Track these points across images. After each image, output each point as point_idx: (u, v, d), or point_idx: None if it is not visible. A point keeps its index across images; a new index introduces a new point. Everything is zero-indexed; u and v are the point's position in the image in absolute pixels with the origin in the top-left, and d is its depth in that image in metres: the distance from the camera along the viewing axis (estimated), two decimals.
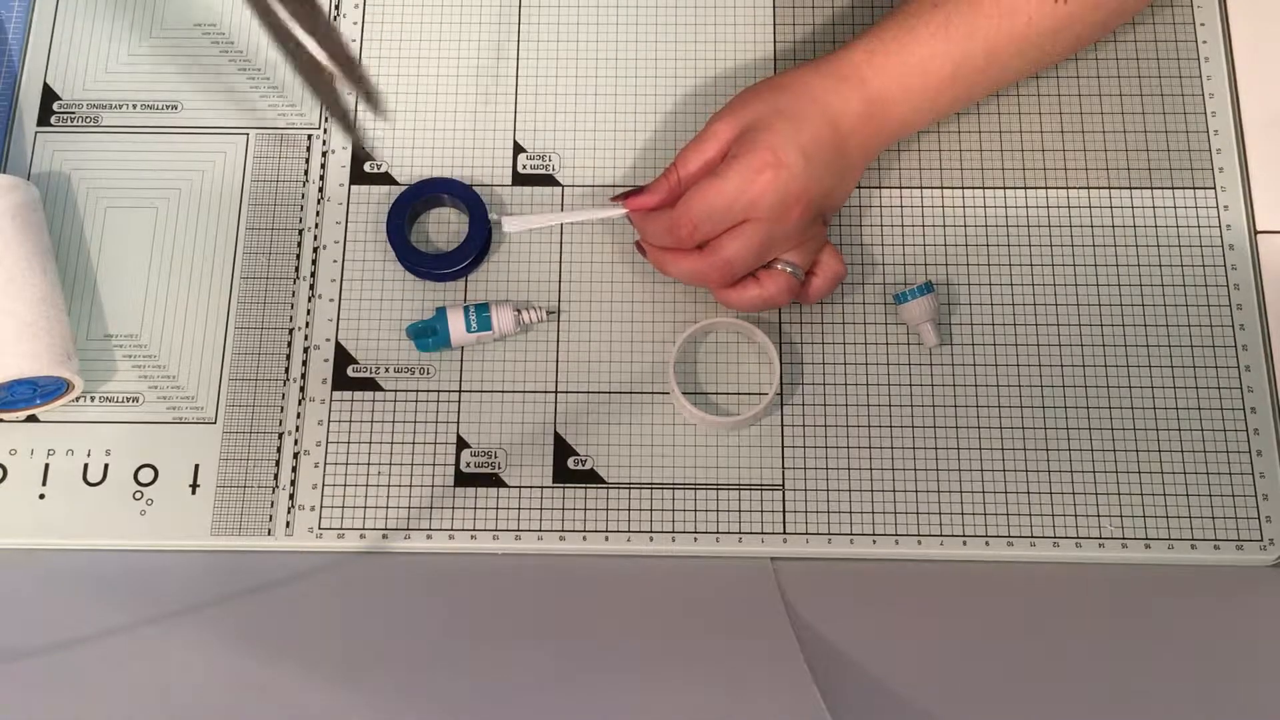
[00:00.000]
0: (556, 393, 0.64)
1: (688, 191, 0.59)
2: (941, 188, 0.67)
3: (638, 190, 0.61)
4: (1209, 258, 0.66)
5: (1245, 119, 0.68)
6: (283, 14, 0.56)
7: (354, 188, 0.68)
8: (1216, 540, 0.62)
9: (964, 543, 0.62)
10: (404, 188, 0.67)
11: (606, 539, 0.62)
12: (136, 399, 0.64)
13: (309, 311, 0.66)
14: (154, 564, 0.62)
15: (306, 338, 0.65)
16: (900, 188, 0.67)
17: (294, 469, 0.63)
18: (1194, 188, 0.67)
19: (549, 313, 0.65)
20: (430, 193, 0.66)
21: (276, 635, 0.56)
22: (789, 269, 0.60)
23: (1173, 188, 0.67)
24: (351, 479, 0.63)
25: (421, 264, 0.65)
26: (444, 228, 0.67)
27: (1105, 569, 0.62)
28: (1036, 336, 0.65)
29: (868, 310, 0.65)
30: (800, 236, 0.60)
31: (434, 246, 0.67)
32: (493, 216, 0.66)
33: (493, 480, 0.63)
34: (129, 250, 0.66)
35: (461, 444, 0.64)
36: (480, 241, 0.65)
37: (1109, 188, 0.67)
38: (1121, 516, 0.62)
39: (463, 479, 0.63)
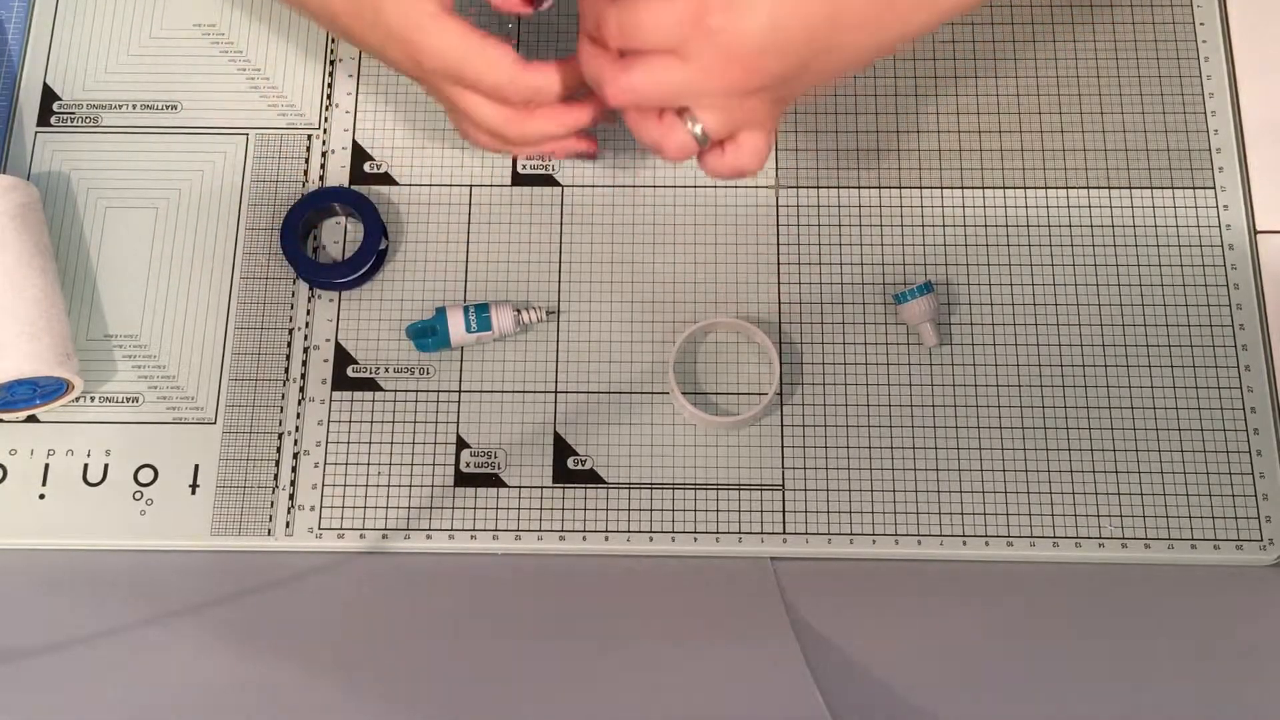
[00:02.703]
0: (556, 393, 0.64)
1: None
2: (941, 188, 0.67)
3: None
4: (1209, 258, 0.66)
5: (1245, 119, 0.68)
6: None
7: (353, 188, 0.68)
8: (1216, 540, 0.62)
9: (964, 543, 0.62)
10: (298, 199, 0.66)
11: (606, 539, 0.62)
12: (136, 399, 0.64)
13: (309, 311, 0.66)
14: (154, 564, 0.62)
15: (306, 338, 0.65)
16: (900, 188, 0.67)
17: (294, 469, 0.63)
18: (1194, 188, 0.67)
19: (549, 313, 0.65)
20: (322, 203, 0.66)
21: (276, 635, 0.56)
22: (694, 129, 0.54)
23: (1173, 188, 0.67)
24: (351, 479, 0.63)
25: (319, 275, 0.65)
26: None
27: (1105, 569, 0.62)
28: (1036, 336, 0.65)
29: (868, 310, 0.65)
30: (726, 100, 0.53)
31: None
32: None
33: (493, 480, 0.63)
34: (129, 250, 0.66)
35: (461, 444, 0.64)
36: (375, 246, 0.65)
37: (1109, 188, 0.67)
38: (1121, 516, 0.62)
39: (463, 479, 0.63)
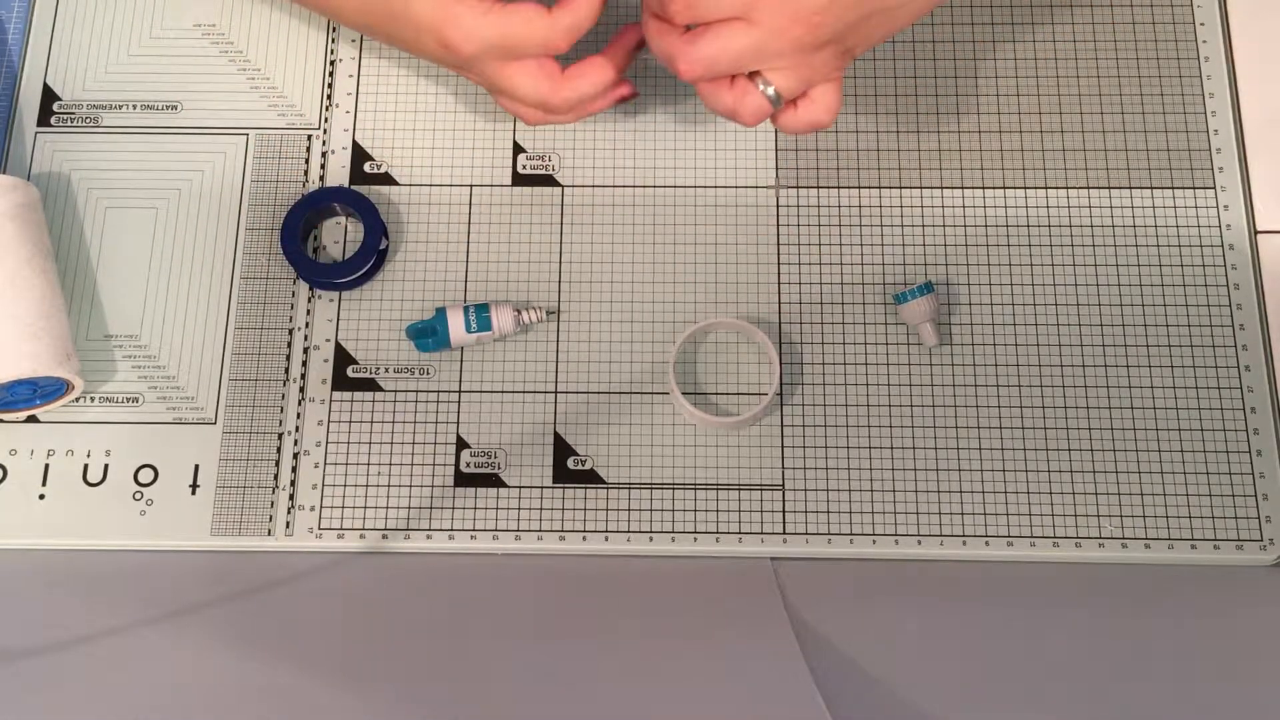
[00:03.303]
0: (556, 393, 0.64)
1: None
2: (941, 188, 0.67)
3: None
4: (1209, 258, 0.66)
5: (1245, 119, 0.68)
6: None
7: (353, 188, 0.68)
8: (1216, 540, 0.62)
9: (964, 543, 0.62)
10: (298, 200, 0.66)
11: (606, 539, 0.62)
12: (136, 399, 0.64)
13: (309, 311, 0.66)
14: (154, 564, 0.62)
15: (306, 338, 0.65)
16: (900, 188, 0.67)
17: (294, 469, 0.63)
18: (1194, 188, 0.67)
19: (549, 313, 0.65)
20: (322, 203, 0.66)
21: (276, 635, 0.56)
22: (767, 91, 0.55)
23: (1173, 188, 0.67)
24: (351, 479, 0.63)
25: (319, 275, 0.65)
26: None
27: (1105, 569, 0.62)
28: (1036, 336, 0.65)
29: (868, 310, 0.65)
30: (795, 59, 0.54)
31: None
32: None
33: (493, 480, 0.63)
34: (129, 250, 0.66)
35: (461, 444, 0.64)
36: (375, 246, 0.65)
37: (1109, 188, 0.67)
38: (1121, 516, 0.62)
39: (463, 479, 0.63)
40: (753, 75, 0.55)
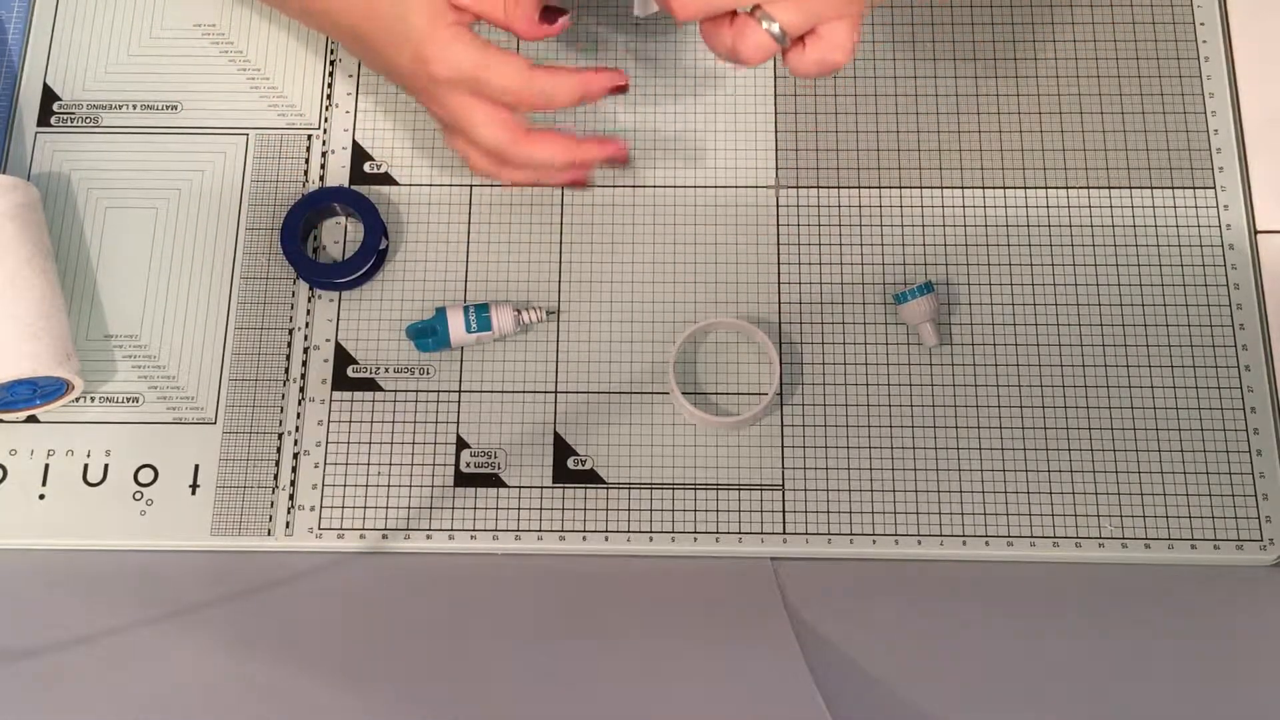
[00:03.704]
0: (556, 393, 0.64)
1: None
2: (941, 188, 0.67)
3: None
4: (1209, 258, 0.66)
5: (1245, 119, 0.68)
6: None
7: (353, 188, 0.68)
8: (1216, 540, 0.62)
9: (964, 543, 0.62)
10: (298, 200, 0.66)
11: (606, 539, 0.62)
12: (136, 399, 0.64)
13: (309, 311, 0.66)
14: (154, 564, 0.62)
15: (306, 338, 0.65)
16: (900, 188, 0.67)
17: (294, 469, 0.63)
18: (1194, 188, 0.67)
19: (549, 313, 0.65)
20: (322, 203, 0.66)
21: (276, 635, 0.56)
22: (771, 28, 0.52)
23: (1173, 188, 0.67)
24: (351, 479, 0.63)
25: (319, 275, 0.65)
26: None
27: (1105, 569, 0.62)
28: (1036, 336, 0.65)
29: (868, 310, 0.65)
30: None
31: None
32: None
33: (493, 480, 0.63)
34: (129, 250, 0.66)
35: (461, 444, 0.64)
36: (375, 246, 0.65)
37: (1109, 188, 0.67)
38: (1121, 516, 0.62)
39: (463, 479, 0.63)
40: (754, 11, 0.52)
